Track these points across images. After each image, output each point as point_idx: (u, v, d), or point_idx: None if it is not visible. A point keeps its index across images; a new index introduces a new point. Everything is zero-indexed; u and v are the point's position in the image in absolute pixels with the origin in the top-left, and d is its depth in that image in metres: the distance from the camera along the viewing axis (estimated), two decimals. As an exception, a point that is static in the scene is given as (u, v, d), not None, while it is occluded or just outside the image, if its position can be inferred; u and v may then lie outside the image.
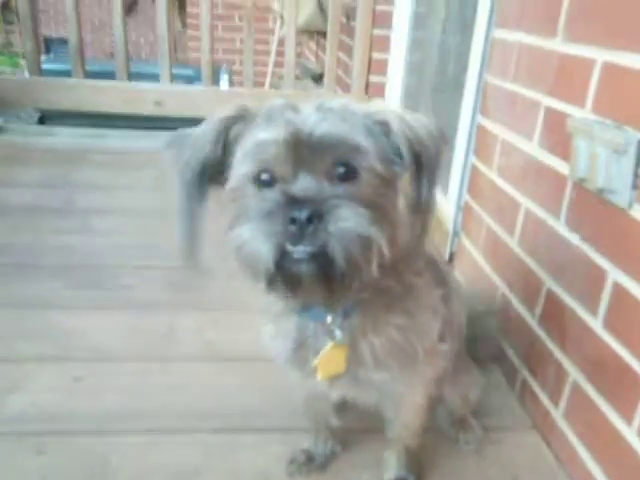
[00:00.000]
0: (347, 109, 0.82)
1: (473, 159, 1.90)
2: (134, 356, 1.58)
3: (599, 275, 1.18)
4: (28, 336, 1.62)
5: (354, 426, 1.32)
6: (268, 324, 1.02)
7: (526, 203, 1.52)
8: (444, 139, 0.86)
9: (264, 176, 0.80)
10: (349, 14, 3.62)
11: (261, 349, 1.06)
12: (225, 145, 0.86)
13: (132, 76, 3.39)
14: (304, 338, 0.97)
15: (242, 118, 0.86)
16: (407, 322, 0.96)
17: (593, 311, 1.21)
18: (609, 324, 1.16)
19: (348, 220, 0.75)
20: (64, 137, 3.40)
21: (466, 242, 1.96)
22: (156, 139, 3.42)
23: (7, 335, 1.62)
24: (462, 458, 1.31)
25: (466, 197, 1.96)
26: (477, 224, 1.85)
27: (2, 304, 1.76)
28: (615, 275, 1.14)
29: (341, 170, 0.79)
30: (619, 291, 1.13)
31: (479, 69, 1.84)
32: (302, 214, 0.73)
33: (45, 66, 3.53)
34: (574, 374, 1.27)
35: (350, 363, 0.96)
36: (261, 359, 1.50)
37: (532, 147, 1.49)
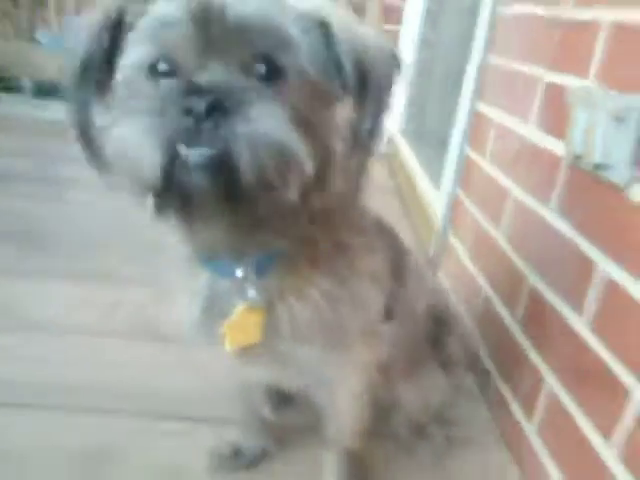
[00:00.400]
0: (308, 11, 0.65)
1: (467, 149, 1.74)
2: (74, 328, 1.42)
3: (587, 267, 1.01)
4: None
5: (293, 422, 1.16)
6: (176, 281, 0.84)
7: (515, 191, 1.35)
8: (397, 60, 0.69)
9: (162, 66, 0.62)
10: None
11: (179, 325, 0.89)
12: (117, 34, 0.66)
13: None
14: (214, 299, 0.79)
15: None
16: (337, 290, 0.77)
17: (578, 309, 1.04)
18: (595, 325, 0.99)
19: (262, 120, 0.57)
20: (54, 109, 3.28)
21: (453, 240, 1.79)
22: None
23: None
24: (420, 471, 1.13)
25: (457, 191, 1.80)
26: (465, 219, 1.68)
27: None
28: (605, 267, 0.97)
29: (262, 67, 0.61)
30: (609, 286, 0.96)
31: (483, 50, 1.68)
32: (200, 104, 0.55)
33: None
34: (551, 382, 1.10)
35: (270, 332, 0.78)
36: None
37: (528, 129, 1.33)
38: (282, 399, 1.11)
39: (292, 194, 0.61)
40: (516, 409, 1.22)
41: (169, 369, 1.30)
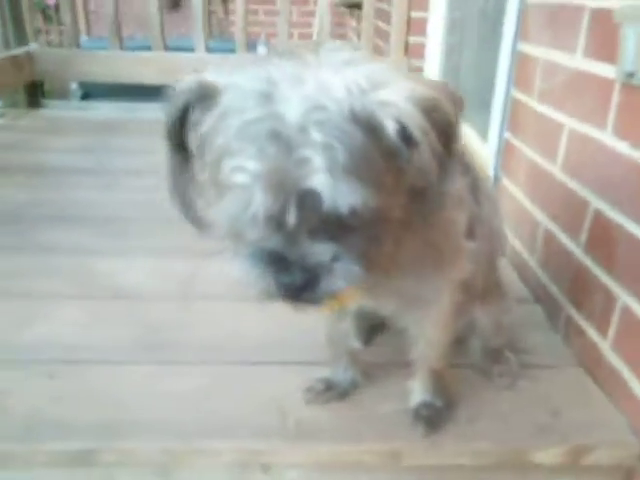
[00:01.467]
0: (345, 111, 0.65)
1: (513, 92, 1.76)
2: (154, 296, 1.53)
3: (651, 180, 1.05)
4: (51, 276, 1.59)
5: (377, 360, 1.23)
6: None
7: (570, 123, 1.38)
8: (456, 110, 0.70)
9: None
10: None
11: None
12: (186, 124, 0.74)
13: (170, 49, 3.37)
14: None
15: (202, 98, 0.71)
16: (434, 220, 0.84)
17: (644, 222, 1.07)
18: (663, 234, 1.02)
19: (338, 281, 0.70)
20: (102, 111, 3.42)
21: (507, 183, 1.82)
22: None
23: (29, 275, 1.60)
24: (496, 391, 1.19)
25: (506, 135, 1.82)
26: (517, 160, 1.71)
27: (28, 248, 1.75)
28: (670, 176, 1.00)
29: (333, 229, 0.67)
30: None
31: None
32: (293, 282, 0.69)
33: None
34: (624, 297, 1.13)
35: None
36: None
37: (576, 60, 1.35)
38: (370, 333, 1.19)
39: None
40: (590, 331, 1.26)
41: (253, 325, 1.39)
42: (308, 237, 0.67)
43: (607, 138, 1.21)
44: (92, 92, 3.97)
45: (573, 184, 1.36)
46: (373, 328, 1.26)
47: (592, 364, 1.25)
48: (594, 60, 1.26)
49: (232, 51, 3.48)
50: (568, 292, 1.37)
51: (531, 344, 1.33)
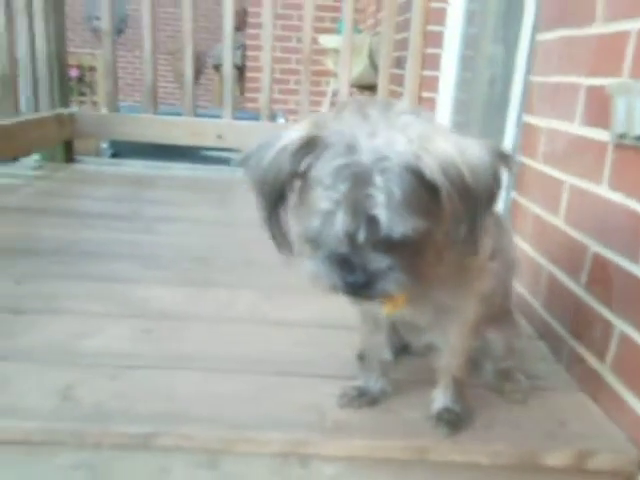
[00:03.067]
0: (402, 161, 0.87)
1: (519, 156, 2.00)
2: (197, 317, 1.69)
3: (641, 222, 1.24)
4: (98, 300, 1.75)
5: (404, 377, 1.39)
6: None
7: (570, 180, 1.60)
8: (496, 173, 0.90)
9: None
10: (400, 61, 3.86)
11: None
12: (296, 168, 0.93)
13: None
14: None
15: (311, 145, 0.91)
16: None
17: (636, 259, 1.26)
18: (652, 266, 1.21)
19: (389, 285, 0.91)
20: (133, 167, 3.69)
21: (516, 238, 2.02)
22: (218, 172, 3.71)
23: (79, 297, 1.76)
24: (508, 407, 1.33)
25: (513, 195, 2.04)
26: (524, 216, 1.92)
27: (76, 277, 1.91)
28: (656, 218, 1.20)
29: (389, 244, 0.88)
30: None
31: (524, 72, 1.97)
32: (356, 281, 0.91)
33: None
34: (620, 326, 1.30)
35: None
36: (311, 325, 1.65)
37: (574, 127, 1.59)
38: (400, 346, 1.35)
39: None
40: (590, 358, 1.42)
41: (286, 344, 1.55)
42: (371, 250, 0.89)
43: (603, 191, 1.42)
44: (121, 151, 4.26)
45: (574, 232, 1.56)
46: (401, 349, 1.42)
47: (592, 386, 1.40)
48: (590, 127, 1.50)
49: (253, 120, 3.78)
50: (570, 327, 1.54)
51: (537, 371, 1.49)
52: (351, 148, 0.88)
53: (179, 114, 3.71)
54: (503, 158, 0.92)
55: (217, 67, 9.50)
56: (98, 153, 4.29)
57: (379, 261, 0.89)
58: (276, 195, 0.96)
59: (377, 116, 0.92)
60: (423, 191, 0.88)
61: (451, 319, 1.16)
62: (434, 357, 1.24)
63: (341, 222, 0.86)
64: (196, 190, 3.30)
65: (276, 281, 1.96)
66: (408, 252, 0.90)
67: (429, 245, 0.92)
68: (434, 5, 3.52)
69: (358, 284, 0.90)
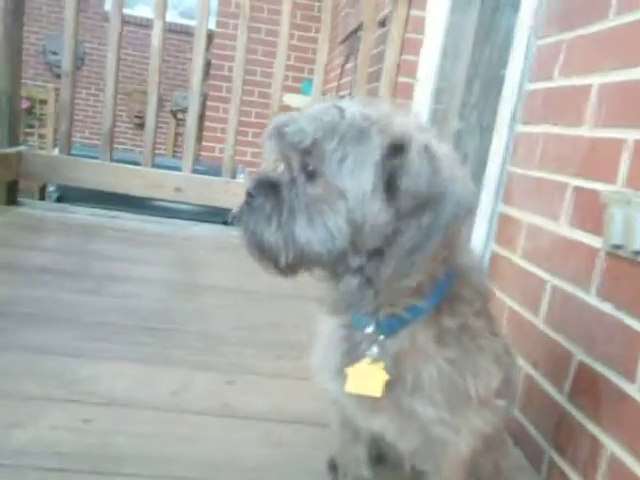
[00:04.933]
0: (346, 112, 0.84)
1: (493, 246, 1.96)
2: (145, 405, 1.51)
3: (635, 339, 1.19)
4: (37, 377, 1.55)
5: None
6: (324, 322, 1.00)
7: (553, 280, 1.55)
8: (470, 205, 0.83)
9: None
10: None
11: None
12: None
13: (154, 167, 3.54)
14: (351, 343, 0.96)
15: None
16: (462, 359, 0.93)
17: (630, 377, 1.19)
18: (649, 389, 1.15)
19: (294, 221, 0.84)
20: (80, 214, 3.47)
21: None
22: (170, 225, 3.54)
23: (15, 375, 1.55)
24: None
25: (485, 283, 1.99)
26: (498, 309, 1.86)
27: (12, 347, 1.71)
28: (654, 337, 1.15)
29: (306, 169, 0.85)
30: (659, 353, 1.13)
31: (501, 162, 1.95)
32: (249, 202, 0.87)
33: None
34: (611, 446, 1.23)
35: (393, 387, 0.93)
36: (278, 420, 1.51)
37: (559, 227, 1.55)
38: (377, 459, 1.22)
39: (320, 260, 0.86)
40: (575, 477, 1.33)
41: (249, 443, 1.39)
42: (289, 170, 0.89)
43: (591, 299, 1.37)
44: (68, 195, 4.03)
45: (556, 335, 1.50)
46: (376, 458, 1.28)
47: (578, 511, 1.31)
48: (578, 229, 1.46)
49: (213, 174, 3.66)
50: (550, 437, 1.46)
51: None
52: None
53: (134, 161, 3.55)
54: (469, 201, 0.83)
55: (174, 112, 9.42)
56: (42, 195, 4.04)
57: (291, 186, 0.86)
58: None
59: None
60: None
61: (441, 453, 1.02)
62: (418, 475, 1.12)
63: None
64: (148, 245, 3.12)
65: (239, 360, 1.81)
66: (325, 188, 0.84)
67: (326, 214, 0.83)
68: (402, 80, 3.56)
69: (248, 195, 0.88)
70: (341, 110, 0.84)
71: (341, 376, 0.97)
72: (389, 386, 0.93)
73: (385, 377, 0.93)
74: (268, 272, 0.89)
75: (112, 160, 3.47)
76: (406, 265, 0.81)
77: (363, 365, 0.93)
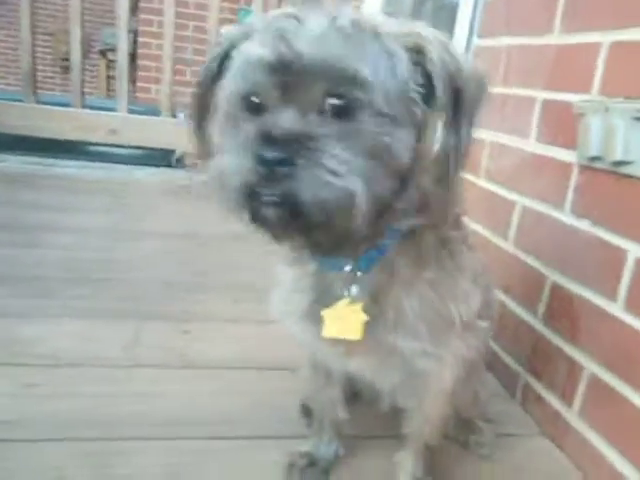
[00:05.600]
0: (367, 27, 0.70)
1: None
2: (95, 363, 1.38)
3: (617, 255, 1.13)
4: (-31, 342, 1.40)
5: (360, 433, 1.18)
6: (285, 273, 0.89)
7: (522, 201, 1.47)
8: (486, 83, 0.75)
9: (253, 99, 0.72)
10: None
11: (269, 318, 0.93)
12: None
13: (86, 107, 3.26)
14: (322, 288, 0.85)
15: (247, 35, 0.76)
16: (443, 279, 0.84)
17: (611, 295, 1.14)
18: (630, 305, 1.10)
19: (324, 169, 0.65)
20: (10, 163, 3.19)
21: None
22: (109, 170, 3.30)
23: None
24: (475, 463, 1.18)
25: (448, 210, 1.91)
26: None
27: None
28: (637, 252, 1.09)
29: (334, 102, 0.68)
30: (641, 266, 1.08)
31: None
32: (270, 155, 0.65)
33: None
34: (591, 367, 1.19)
35: (373, 326, 0.84)
36: (240, 367, 1.41)
37: (528, 144, 1.46)
38: (353, 396, 1.14)
39: (358, 225, 0.69)
40: (552, 400, 1.30)
41: (210, 395, 1.30)
42: (303, 111, 0.69)
43: (565, 217, 1.30)
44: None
45: (527, 258, 1.44)
46: (353, 396, 1.20)
47: (557, 433, 1.28)
48: (549, 145, 1.38)
49: (152, 114, 3.41)
50: (525, 362, 1.42)
51: (493, 413, 1.34)
52: (298, 19, 0.71)
53: (64, 104, 3.26)
54: (487, 77, 0.77)
55: (103, 52, 8.81)
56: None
57: (314, 123, 0.68)
58: (205, 98, 0.82)
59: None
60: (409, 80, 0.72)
61: (424, 386, 0.96)
62: (398, 415, 1.05)
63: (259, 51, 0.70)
64: (87, 192, 2.89)
65: (192, 307, 1.69)
66: (366, 133, 0.69)
67: (389, 150, 0.71)
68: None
69: (277, 160, 0.65)
70: (353, 21, 0.70)
71: (312, 322, 0.87)
72: (368, 326, 0.83)
73: (364, 317, 0.83)
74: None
75: (37, 102, 3.17)
76: (459, 165, 0.74)
77: (340, 307, 0.83)
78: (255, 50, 0.70)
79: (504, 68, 1.60)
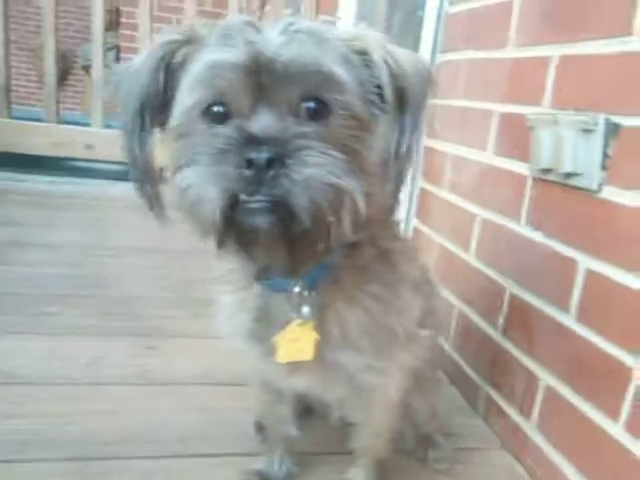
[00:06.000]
0: (319, 32, 0.70)
1: (421, 182, 1.88)
2: (55, 381, 1.36)
3: (568, 266, 1.13)
4: None
5: (312, 449, 1.18)
6: (226, 294, 0.88)
7: (482, 213, 1.48)
8: (431, 77, 0.77)
9: (216, 108, 0.68)
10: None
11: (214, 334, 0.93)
12: (168, 74, 0.73)
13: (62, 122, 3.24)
14: (267, 309, 0.84)
15: (189, 41, 0.74)
16: (385, 292, 0.84)
17: (564, 306, 1.15)
18: (582, 316, 1.10)
19: (317, 166, 0.64)
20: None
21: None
22: (82, 186, 3.28)
23: None
24: (432, 478, 1.17)
25: (414, 222, 1.92)
26: (428, 248, 1.79)
27: None
28: (587, 264, 1.09)
29: (310, 105, 0.67)
30: (592, 278, 1.08)
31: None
32: (261, 156, 0.62)
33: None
34: (546, 378, 1.19)
35: (318, 346, 0.83)
36: (201, 383, 1.40)
37: (486, 156, 1.47)
38: (305, 411, 1.13)
39: (348, 229, 0.68)
40: (511, 412, 1.29)
41: (171, 412, 1.28)
42: (279, 114, 0.67)
43: (521, 229, 1.31)
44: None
45: (488, 270, 1.44)
46: (303, 411, 1.20)
47: (516, 446, 1.27)
48: (505, 157, 1.39)
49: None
50: (486, 374, 1.42)
51: (454, 426, 1.34)
52: (255, 27, 0.70)
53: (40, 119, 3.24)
54: (430, 72, 0.78)
55: (86, 68, 8.79)
56: None
57: (295, 123, 0.66)
58: (141, 108, 0.74)
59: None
60: (366, 82, 0.72)
61: (370, 398, 0.95)
62: (349, 430, 1.05)
63: (233, 57, 0.66)
64: (58, 208, 2.87)
65: (159, 323, 1.68)
66: (342, 133, 0.69)
67: (359, 154, 0.70)
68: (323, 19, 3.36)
69: (266, 161, 0.62)
70: (308, 27, 0.70)
71: (256, 341, 0.86)
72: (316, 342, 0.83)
73: (316, 337, 0.82)
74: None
75: (11, 117, 3.15)
76: (404, 166, 0.75)
77: (293, 329, 0.82)
78: (222, 56, 0.67)
79: (464, 81, 1.62)
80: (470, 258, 1.53)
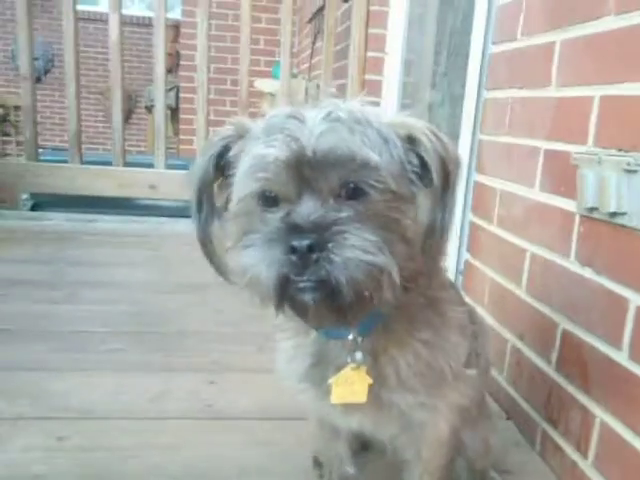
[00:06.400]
0: (361, 117, 0.78)
1: (471, 216, 1.90)
2: (123, 415, 1.45)
3: (619, 304, 1.14)
4: (7, 396, 1.49)
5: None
6: (285, 341, 0.95)
7: (531, 248, 1.50)
8: (460, 163, 0.84)
9: (268, 194, 0.78)
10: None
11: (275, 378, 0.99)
12: (226, 165, 0.85)
13: (128, 165, 3.45)
14: (323, 354, 0.91)
15: (240, 136, 0.84)
16: (433, 337, 0.90)
17: (616, 344, 1.15)
18: (635, 354, 1.10)
19: (353, 247, 0.72)
20: (55, 221, 3.39)
21: (468, 301, 1.90)
22: (146, 224, 3.46)
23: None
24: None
25: (466, 256, 1.94)
26: (480, 281, 1.81)
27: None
28: (638, 301, 1.10)
29: (349, 188, 0.76)
30: (642, 316, 1.08)
31: (472, 129, 1.89)
32: (302, 243, 0.71)
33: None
34: (601, 415, 1.19)
35: (371, 387, 0.89)
36: (262, 418, 1.46)
37: (533, 192, 1.49)
38: (362, 447, 1.17)
39: (387, 295, 0.76)
40: (568, 449, 1.29)
41: (233, 447, 1.34)
42: (320, 199, 0.76)
43: (571, 264, 1.32)
44: (43, 202, 3.93)
45: (539, 305, 1.45)
46: (360, 446, 1.24)
47: (573, 483, 1.27)
48: (552, 194, 1.41)
49: (185, 168, 3.58)
50: (542, 409, 1.42)
51: (511, 463, 1.34)
52: (298, 118, 0.78)
53: (110, 161, 3.45)
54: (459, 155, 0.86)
55: (149, 108, 9.25)
56: (16, 203, 3.92)
57: (334, 209, 0.74)
58: (207, 198, 0.87)
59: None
60: (405, 163, 0.80)
61: (421, 435, 1.00)
62: (404, 467, 1.08)
63: (275, 152, 0.75)
64: (126, 246, 3.04)
65: (220, 358, 1.76)
66: (378, 210, 0.76)
67: (399, 223, 0.78)
68: (371, 55, 3.47)
69: (308, 247, 0.70)
70: (363, 115, 0.79)
71: (312, 384, 0.93)
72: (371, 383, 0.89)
73: (369, 381, 0.89)
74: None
75: (82, 162, 3.38)
76: (446, 237, 0.82)
77: (347, 373, 0.89)
78: (267, 151, 0.76)
79: (509, 119, 1.65)
80: (521, 292, 1.54)
